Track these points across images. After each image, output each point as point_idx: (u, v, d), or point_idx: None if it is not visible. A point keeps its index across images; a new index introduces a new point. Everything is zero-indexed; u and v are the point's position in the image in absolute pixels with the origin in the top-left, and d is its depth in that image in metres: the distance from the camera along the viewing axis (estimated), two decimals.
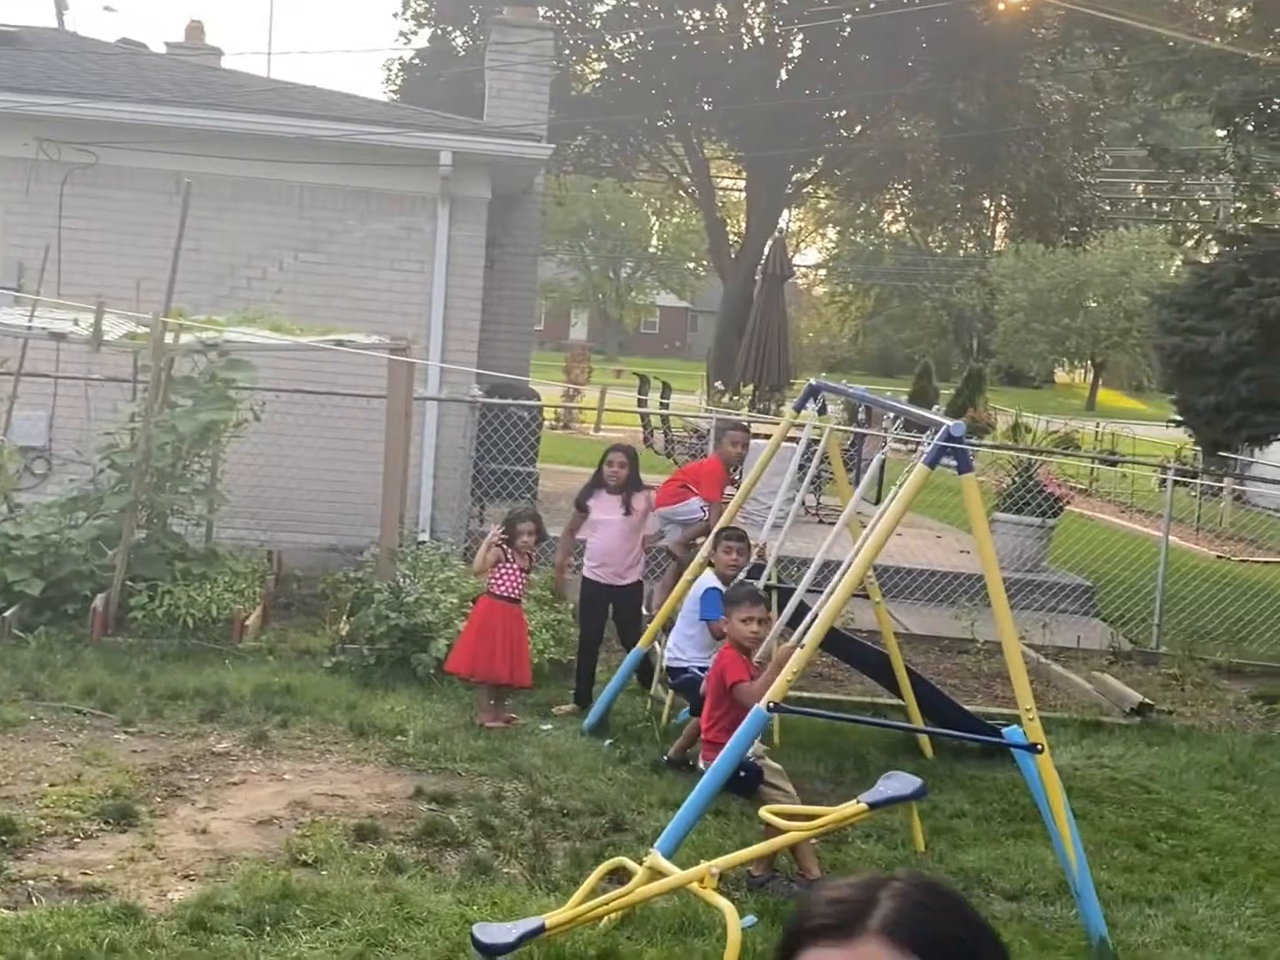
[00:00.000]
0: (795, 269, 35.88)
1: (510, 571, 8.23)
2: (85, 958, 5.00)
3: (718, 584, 7.75)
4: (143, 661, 8.78)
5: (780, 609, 8.66)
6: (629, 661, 8.38)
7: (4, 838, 6.06)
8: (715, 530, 8.16)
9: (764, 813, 5.87)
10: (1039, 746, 5.81)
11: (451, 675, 8.46)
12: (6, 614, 9.08)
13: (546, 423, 19.13)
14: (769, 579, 8.26)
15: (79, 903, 5.51)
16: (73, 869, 5.84)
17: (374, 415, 10.83)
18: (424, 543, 10.52)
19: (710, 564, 8.00)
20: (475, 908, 5.72)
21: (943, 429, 5.71)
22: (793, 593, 7.47)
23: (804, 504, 14.33)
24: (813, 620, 6.22)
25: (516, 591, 8.27)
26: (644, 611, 9.07)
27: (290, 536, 10.58)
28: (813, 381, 7.99)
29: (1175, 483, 13.73)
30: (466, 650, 8.23)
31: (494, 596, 8.21)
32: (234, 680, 8.52)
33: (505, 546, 8.21)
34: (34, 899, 5.55)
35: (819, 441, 8.23)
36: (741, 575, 7.86)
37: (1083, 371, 70.29)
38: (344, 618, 9.07)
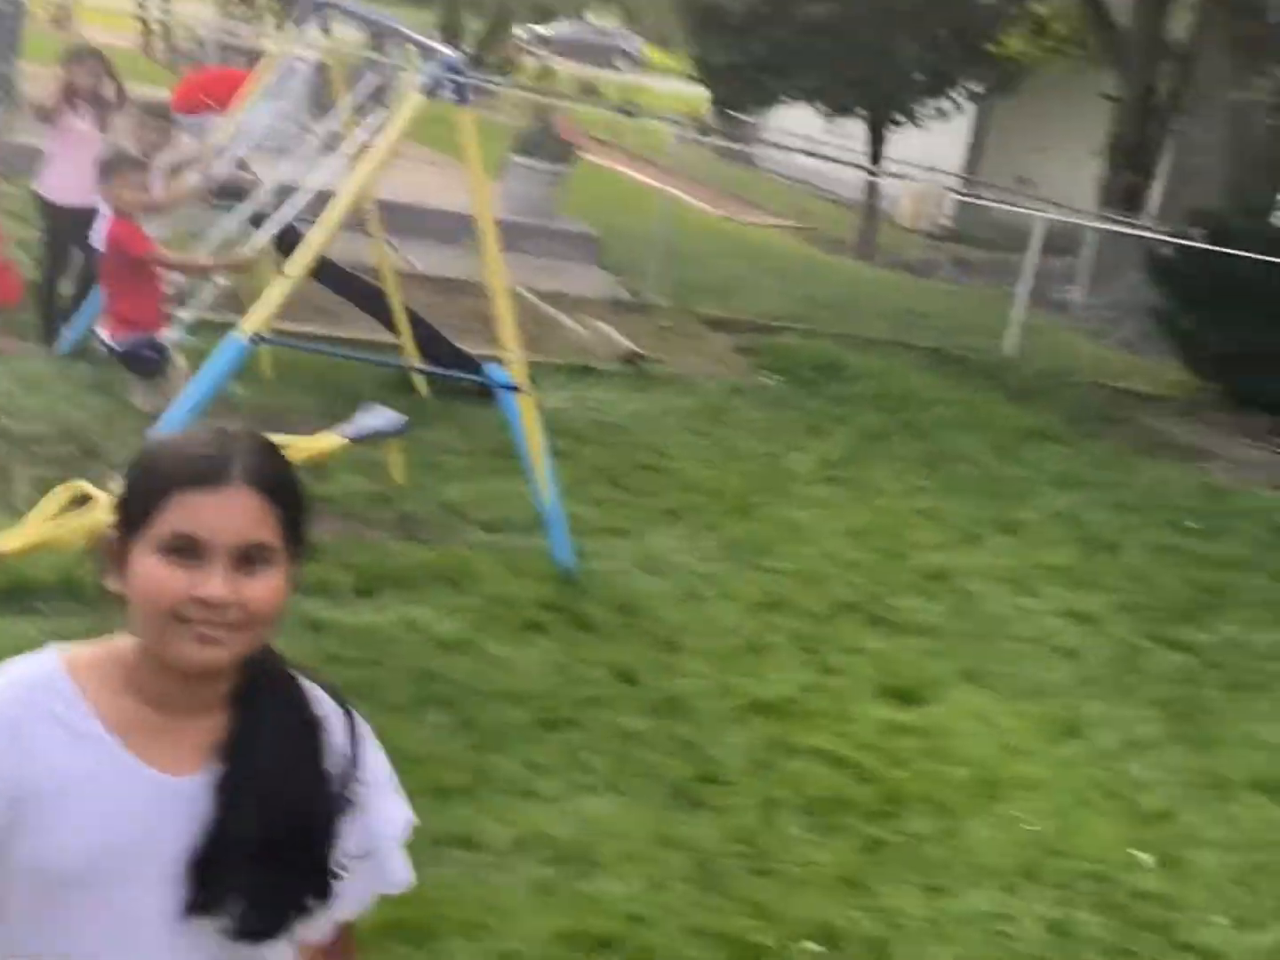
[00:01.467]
0: None
1: None
2: None
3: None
4: None
5: (281, 242, 8.36)
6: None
7: None
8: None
9: None
10: (518, 385, 5.95)
11: None
12: None
13: (41, 19, 17.25)
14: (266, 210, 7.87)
15: None
16: None
17: None
18: None
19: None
20: None
21: (443, 59, 5.53)
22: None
23: (309, 128, 13.75)
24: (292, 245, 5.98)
25: None
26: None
27: None
28: None
29: (686, 140, 14.06)
30: None
31: None
32: None
33: None
34: None
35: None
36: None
37: (614, 19, 70.02)
38: None
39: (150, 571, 1.51)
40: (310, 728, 1.66)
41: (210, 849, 1.56)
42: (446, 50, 5.52)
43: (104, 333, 6.54)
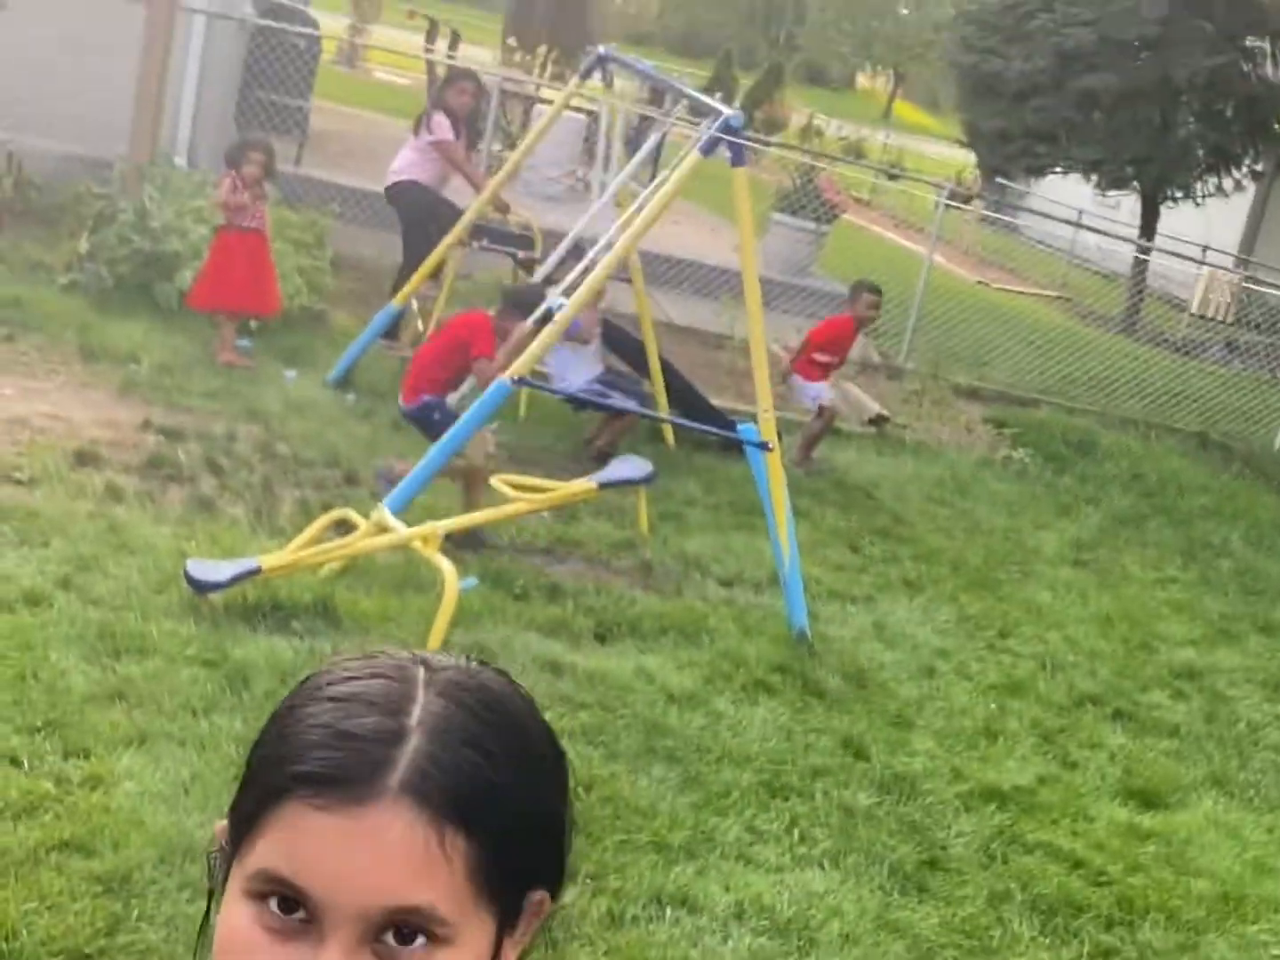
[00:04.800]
0: None
1: (244, 201, 7.84)
2: None
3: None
4: None
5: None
6: (381, 317, 8.21)
7: None
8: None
9: (496, 481, 5.92)
10: (769, 444, 5.94)
11: (194, 310, 8.13)
12: None
13: (327, 56, 18.10)
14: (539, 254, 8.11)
15: None
16: None
17: (138, 17, 10.02)
18: (178, 166, 9.95)
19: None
20: (194, 543, 5.66)
21: (721, 118, 5.58)
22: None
23: (580, 178, 14.08)
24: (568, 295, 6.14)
25: (256, 221, 7.92)
26: None
27: (33, 141, 9.85)
28: (601, 50, 7.68)
29: (949, 206, 13.89)
30: (207, 283, 7.92)
31: (232, 228, 7.85)
32: None
33: (232, 175, 7.81)
34: None
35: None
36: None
37: (885, 80, 69.98)
38: (84, 235, 8.58)
39: (230, 925, 0.93)
40: None
41: None
42: (726, 110, 5.57)
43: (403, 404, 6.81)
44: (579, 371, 7.74)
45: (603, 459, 7.51)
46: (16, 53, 10.27)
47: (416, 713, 0.93)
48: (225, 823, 0.97)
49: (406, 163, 9.06)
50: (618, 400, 7.49)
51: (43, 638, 4.66)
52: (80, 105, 9.97)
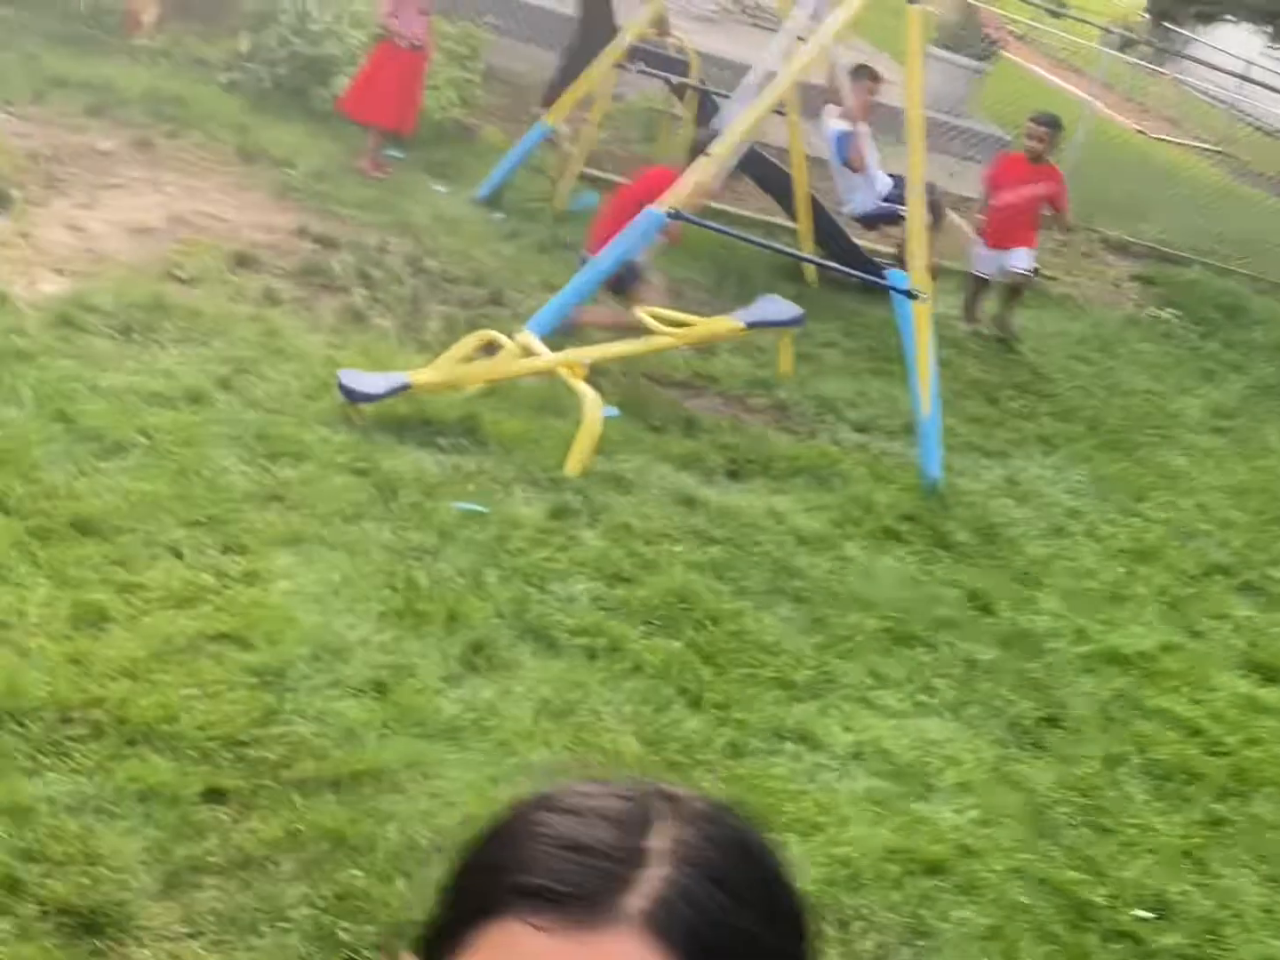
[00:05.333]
0: None
1: (408, 14, 7.78)
2: None
3: (844, 127, 7.56)
4: (29, 40, 8.27)
5: (701, 110, 8.47)
6: (532, 136, 8.17)
7: None
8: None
9: (640, 312, 5.94)
10: (917, 294, 5.89)
11: (343, 115, 8.16)
12: None
13: None
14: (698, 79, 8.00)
15: None
16: None
17: None
18: None
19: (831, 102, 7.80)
20: (345, 353, 5.78)
21: None
22: (709, 95, 7.26)
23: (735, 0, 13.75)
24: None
25: (418, 39, 7.87)
26: None
27: None
28: None
29: (1116, 50, 13.36)
30: (357, 92, 7.93)
31: (392, 42, 7.81)
32: (123, 77, 8.12)
33: None
34: None
35: None
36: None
37: None
38: (244, 33, 8.61)
39: None
40: None
41: None
42: None
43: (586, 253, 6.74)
44: (862, 194, 8.01)
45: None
46: None
47: (662, 837, 0.80)
48: (411, 956, 0.85)
49: None
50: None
51: (204, 435, 4.83)
52: None
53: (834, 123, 7.80)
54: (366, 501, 4.75)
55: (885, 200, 7.95)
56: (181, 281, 6.00)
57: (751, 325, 5.69)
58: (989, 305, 8.83)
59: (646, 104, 9.66)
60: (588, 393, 5.35)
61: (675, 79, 8.51)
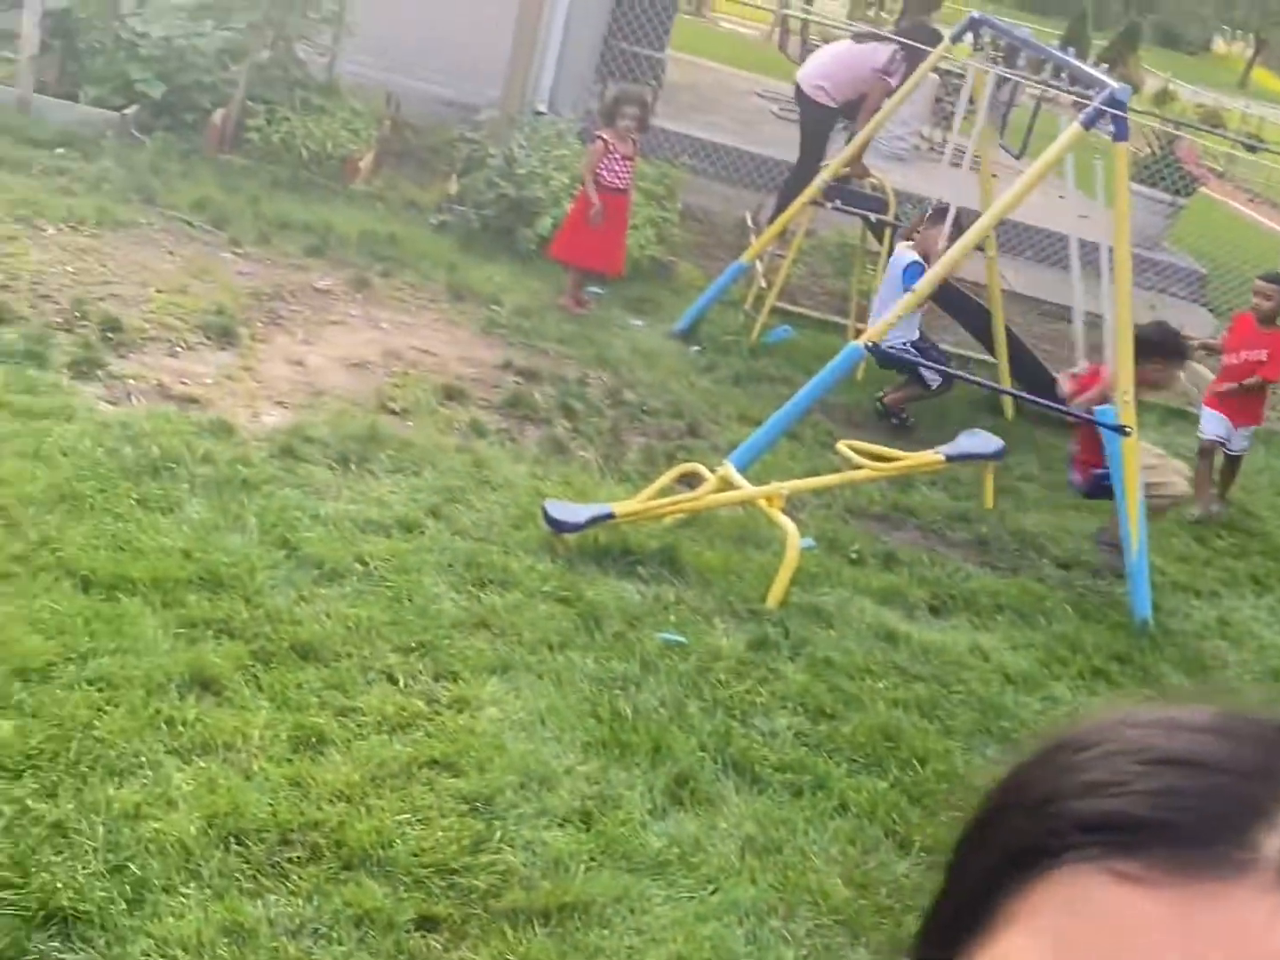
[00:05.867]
0: None
1: (613, 160, 8.00)
2: (179, 461, 5.21)
3: (917, 258, 7.57)
4: (255, 185, 8.75)
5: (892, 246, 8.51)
6: (729, 272, 8.32)
7: (109, 335, 6.23)
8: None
9: (841, 446, 5.96)
10: (1128, 430, 5.79)
11: (553, 260, 8.39)
12: (126, 112, 9.02)
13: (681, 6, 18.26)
14: (893, 216, 8.06)
15: (176, 410, 5.71)
16: (172, 376, 6.03)
17: None
18: (542, 114, 10.27)
19: (908, 239, 7.77)
20: (548, 483, 5.90)
21: (1107, 90, 5.43)
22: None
23: (924, 138, 13.86)
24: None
25: (622, 181, 8.08)
26: None
27: (410, 84, 10.32)
28: (975, 14, 7.54)
29: None
30: (566, 235, 8.15)
31: (599, 187, 8.03)
32: (341, 220, 8.52)
33: (604, 137, 7.92)
34: (133, 398, 5.76)
35: (960, 76, 7.87)
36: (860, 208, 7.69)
37: (1243, 45, 66.14)
38: (454, 177, 8.97)
39: None
40: None
41: None
42: (1113, 83, 5.41)
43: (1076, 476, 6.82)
44: (900, 329, 7.66)
45: (887, 416, 7.59)
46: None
47: None
48: None
49: (823, 69, 9.51)
50: (929, 373, 7.39)
51: (416, 562, 4.95)
52: (452, 51, 10.40)
53: (908, 254, 7.64)
54: (571, 630, 4.81)
55: (914, 346, 7.49)
56: (394, 413, 6.21)
57: (951, 459, 5.65)
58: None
59: (840, 239, 9.76)
60: (788, 525, 5.36)
61: (875, 216, 8.59)
